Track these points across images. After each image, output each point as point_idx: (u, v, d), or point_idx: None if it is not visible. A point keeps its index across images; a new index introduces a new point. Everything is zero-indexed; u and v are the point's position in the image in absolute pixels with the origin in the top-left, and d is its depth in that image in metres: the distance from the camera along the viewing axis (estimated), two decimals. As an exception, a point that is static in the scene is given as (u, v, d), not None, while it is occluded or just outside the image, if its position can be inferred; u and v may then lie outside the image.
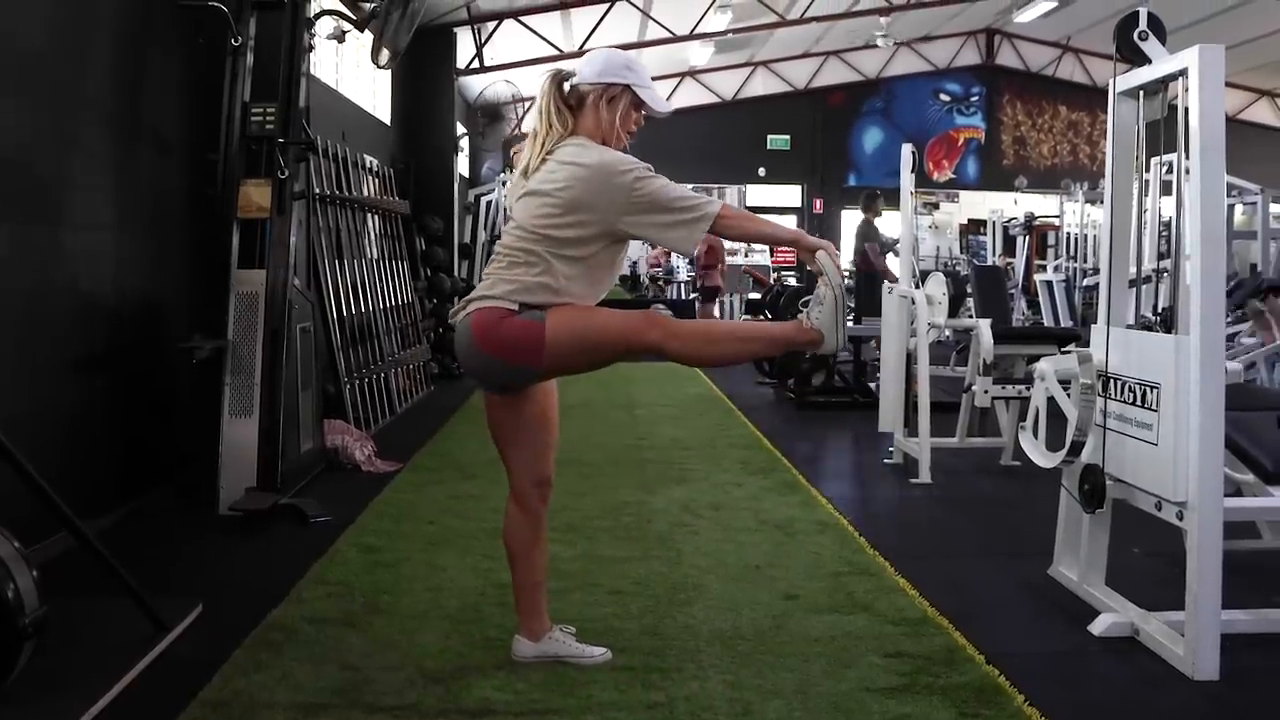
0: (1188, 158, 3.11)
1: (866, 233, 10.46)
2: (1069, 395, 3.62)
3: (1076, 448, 3.56)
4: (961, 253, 19.13)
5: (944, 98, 19.40)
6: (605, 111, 2.88)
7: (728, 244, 16.03)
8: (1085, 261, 11.42)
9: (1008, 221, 14.09)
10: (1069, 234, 12.49)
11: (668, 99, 13.33)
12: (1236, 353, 7.02)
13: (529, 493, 2.99)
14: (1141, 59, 3.41)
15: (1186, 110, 3.09)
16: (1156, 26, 3.40)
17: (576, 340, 2.78)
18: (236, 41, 5.25)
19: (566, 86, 2.90)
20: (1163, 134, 3.44)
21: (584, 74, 2.89)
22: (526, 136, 2.97)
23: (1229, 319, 8.47)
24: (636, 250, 19.99)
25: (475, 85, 14.08)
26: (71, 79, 4.44)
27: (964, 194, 20.32)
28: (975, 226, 19.56)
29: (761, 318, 11.75)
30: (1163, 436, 3.16)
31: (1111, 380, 3.45)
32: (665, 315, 2.89)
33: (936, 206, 21.16)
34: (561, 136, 2.87)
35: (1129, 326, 3.63)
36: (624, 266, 3.02)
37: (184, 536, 4.49)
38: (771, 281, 12.74)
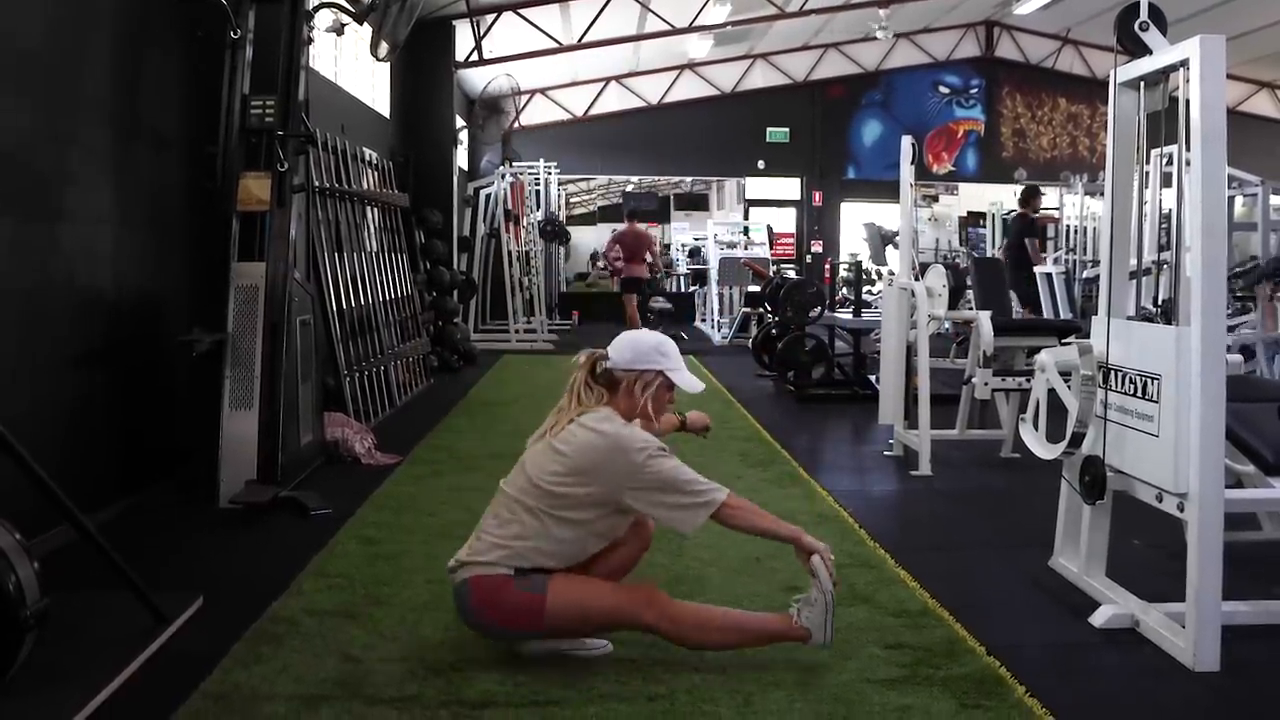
0: (1188, 149, 3.10)
1: (1026, 229, 10.66)
2: (1069, 387, 3.62)
3: (1077, 439, 3.56)
4: (961, 245, 19.12)
5: (943, 90, 19.34)
6: (640, 395, 3.05)
7: (725, 239, 16.02)
8: (1085, 254, 11.41)
9: (1007, 214, 14.07)
10: (1069, 226, 12.48)
11: (666, 92, 13.31)
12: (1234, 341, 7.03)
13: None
14: (1142, 50, 3.40)
15: (1187, 101, 3.08)
16: (1157, 17, 3.39)
17: (576, 613, 2.92)
18: (235, 35, 5.25)
19: (599, 369, 3.08)
20: (1163, 125, 3.44)
21: (617, 360, 3.07)
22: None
23: (1230, 310, 8.47)
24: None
25: (474, 78, 14.07)
26: (70, 74, 4.43)
27: (963, 186, 20.28)
28: (975, 219, 19.56)
29: (761, 310, 11.74)
30: (1163, 428, 3.16)
31: (1112, 372, 3.45)
32: (663, 597, 2.97)
33: (936, 199, 21.13)
34: (588, 409, 3.01)
35: (1129, 318, 3.63)
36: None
37: (184, 529, 4.49)
38: (771, 274, 12.71)
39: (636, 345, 3.10)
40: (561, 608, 2.88)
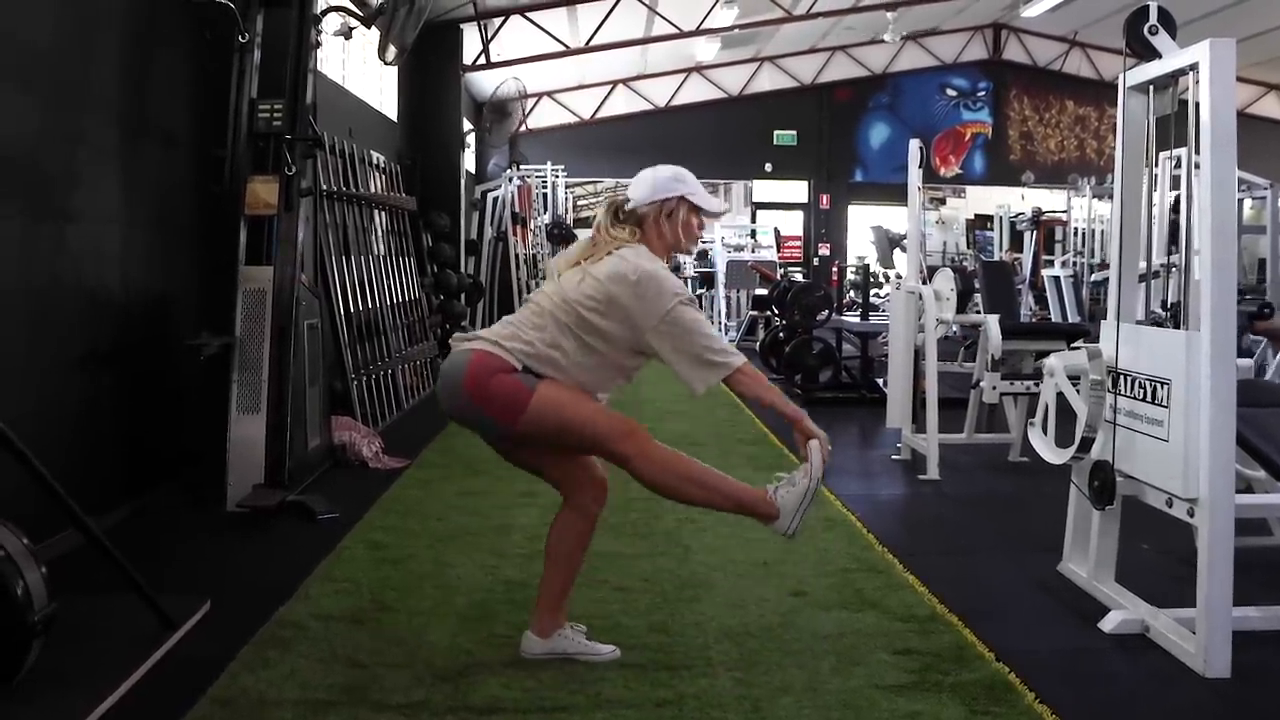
0: (1198, 153, 3.09)
1: None
2: (1078, 391, 3.60)
3: (1086, 444, 3.55)
4: (969, 248, 19.09)
5: (951, 93, 19.32)
6: (668, 226, 3.00)
7: (732, 242, 16.01)
8: (1093, 257, 11.39)
9: (1015, 217, 14.05)
10: (1076, 229, 12.45)
11: (674, 95, 13.31)
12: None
13: (585, 499, 3.02)
14: (1151, 53, 3.39)
15: (1197, 105, 3.07)
16: (1167, 20, 3.38)
17: (555, 418, 2.85)
18: (244, 38, 5.25)
19: (621, 213, 3.02)
20: (1173, 128, 3.42)
21: (637, 197, 3.01)
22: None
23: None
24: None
25: (482, 81, 14.08)
26: (79, 76, 4.44)
27: (971, 189, 20.25)
28: (982, 222, 19.52)
29: (768, 314, 11.73)
30: (1173, 433, 3.14)
31: (1121, 376, 3.43)
32: (644, 433, 2.92)
33: (943, 202, 21.10)
34: (623, 241, 2.97)
35: (1139, 322, 3.62)
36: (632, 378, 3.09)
37: (191, 534, 4.49)
38: (778, 277, 12.69)
39: (654, 178, 3.04)
40: (543, 407, 2.81)
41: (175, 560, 4.10)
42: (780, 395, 2.97)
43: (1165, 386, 3.19)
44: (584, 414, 2.87)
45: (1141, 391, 3.32)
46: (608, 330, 2.88)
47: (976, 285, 7.48)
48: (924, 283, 6.05)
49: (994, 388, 5.78)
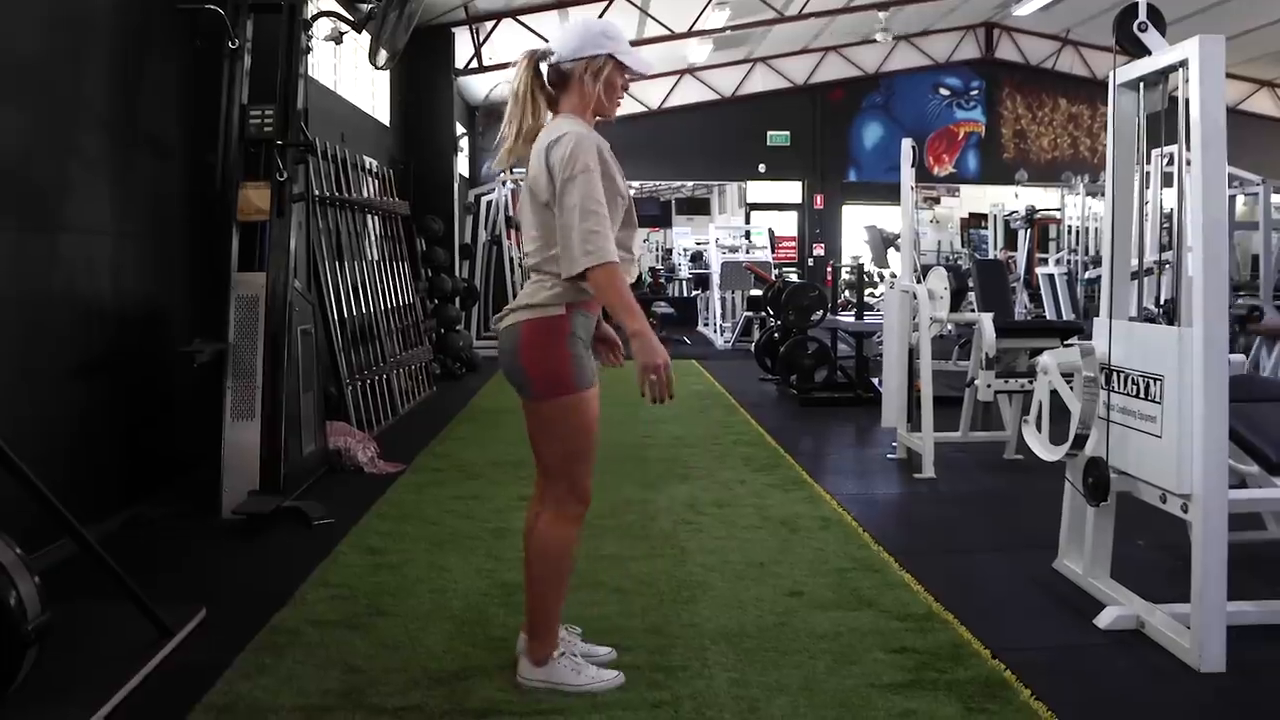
0: (1188, 149, 3.09)
1: None
2: (1072, 389, 3.61)
3: (1080, 441, 3.55)
4: (963, 246, 19.10)
5: (944, 92, 19.33)
6: (591, 85, 2.79)
7: (727, 243, 16.01)
8: (1087, 254, 11.39)
9: (1009, 215, 14.05)
10: (1070, 227, 12.46)
11: (666, 96, 13.25)
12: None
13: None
14: (1141, 50, 3.39)
15: (1187, 102, 3.07)
16: (1156, 17, 3.38)
17: (570, 424, 2.76)
18: (234, 44, 5.26)
19: (544, 67, 2.81)
20: (1163, 125, 3.43)
21: (562, 51, 2.79)
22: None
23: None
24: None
25: (474, 85, 14.08)
26: (69, 84, 4.43)
27: (965, 188, 20.27)
28: (977, 220, 19.54)
29: (763, 314, 11.73)
30: (1166, 429, 3.15)
31: (1114, 373, 3.44)
32: (577, 513, 2.84)
33: (938, 201, 21.11)
34: (540, 125, 2.79)
35: (1131, 319, 3.62)
36: (639, 258, 2.92)
37: (187, 541, 4.48)
38: (773, 278, 12.70)
39: (582, 30, 2.81)
40: (570, 408, 2.73)
41: (171, 567, 4.10)
42: (633, 304, 2.62)
43: (1158, 383, 3.19)
44: (588, 446, 2.81)
45: (1134, 388, 3.32)
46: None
47: (970, 284, 7.49)
48: (918, 282, 6.05)
49: (989, 386, 5.78)
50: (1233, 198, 10.02)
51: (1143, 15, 3.37)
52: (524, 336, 2.76)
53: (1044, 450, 3.78)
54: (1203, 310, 3.01)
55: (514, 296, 12.77)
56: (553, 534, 2.84)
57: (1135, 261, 3.73)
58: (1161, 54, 3.29)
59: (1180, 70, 3.14)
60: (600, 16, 12.62)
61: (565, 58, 2.79)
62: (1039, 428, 3.83)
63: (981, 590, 3.81)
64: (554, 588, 2.86)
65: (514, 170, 14.31)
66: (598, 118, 2.86)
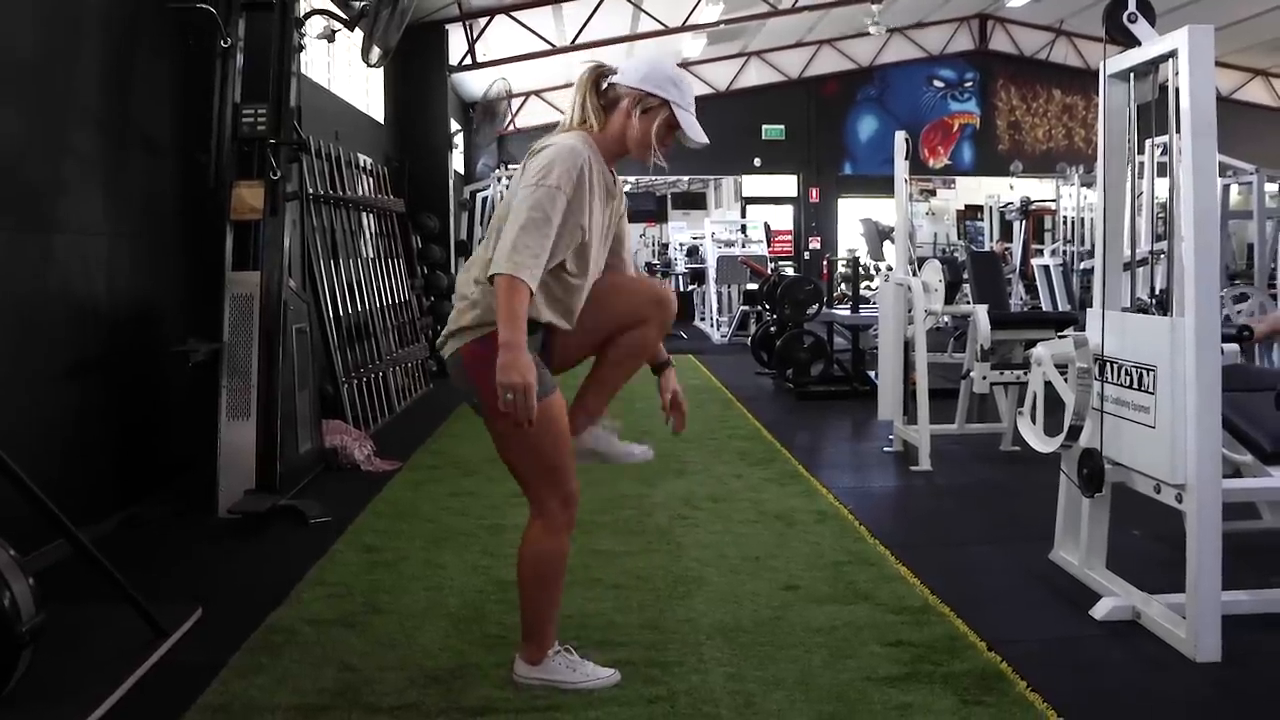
0: (1179, 139, 3.09)
1: None
2: (1066, 380, 3.61)
3: (1074, 432, 3.55)
4: (959, 239, 19.11)
5: (938, 84, 19.33)
6: (637, 121, 2.69)
7: (723, 237, 16.02)
8: (1082, 245, 11.40)
9: (1004, 207, 14.06)
10: (1065, 218, 12.46)
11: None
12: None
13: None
14: (1131, 41, 3.39)
15: (1177, 92, 3.07)
16: (1145, 8, 3.38)
17: (544, 439, 2.66)
18: (226, 43, 5.25)
19: (604, 84, 2.73)
20: (1153, 115, 3.43)
21: (626, 75, 2.71)
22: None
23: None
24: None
25: (468, 81, 14.06)
26: (61, 84, 4.43)
27: (960, 180, 20.28)
28: (973, 212, 19.55)
29: (760, 308, 11.73)
30: (1160, 419, 3.15)
31: (1108, 364, 3.44)
32: (566, 520, 2.77)
33: (933, 193, 21.12)
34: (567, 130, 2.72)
35: (1125, 309, 3.62)
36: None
37: (183, 540, 4.48)
38: (769, 272, 12.70)
39: (653, 66, 2.72)
40: (540, 417, 2.55)
41: (167, 567, 4.09)
42: (512, 317, 2.44)
43: (1151, 373, 3.19)
44: (561, 452, 2.72)
45: (1128, 378, 3.32)
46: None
47: (965, 276, 7.49)
48: (913, 274, 6.05)
49: (984, 378, 5.79)
50: (1227, 187, 10.03)
51: (1132, 6, 3.37)
52: (467, 360, 2.69)
53: (1039, 442, 3.78)
54: (1194, 300, 3.01)
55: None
56: (544, 545, 2.78)
57: (1128, 252, 3.74)
58: (1151, 45, 3.29)
59: (1170, 61, 3.14)
60: (594, 12, 12.63)
61: (625, 82, 2.70)
62: (1033, 419, 3.83)
63: (978, 582, 3.82)
64: (547, 595, 2.83)
65: (508, 167, 14.30)
66: (627, 155, 2.77)
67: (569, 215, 2.58)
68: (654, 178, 21.26)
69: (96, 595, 3.19)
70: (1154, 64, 3.33)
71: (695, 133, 2.72)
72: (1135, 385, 3.28)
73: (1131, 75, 3.45)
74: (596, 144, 2.70)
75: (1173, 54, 3.10)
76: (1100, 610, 3.37)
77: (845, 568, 3.90)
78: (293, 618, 3.40)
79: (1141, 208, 5.44)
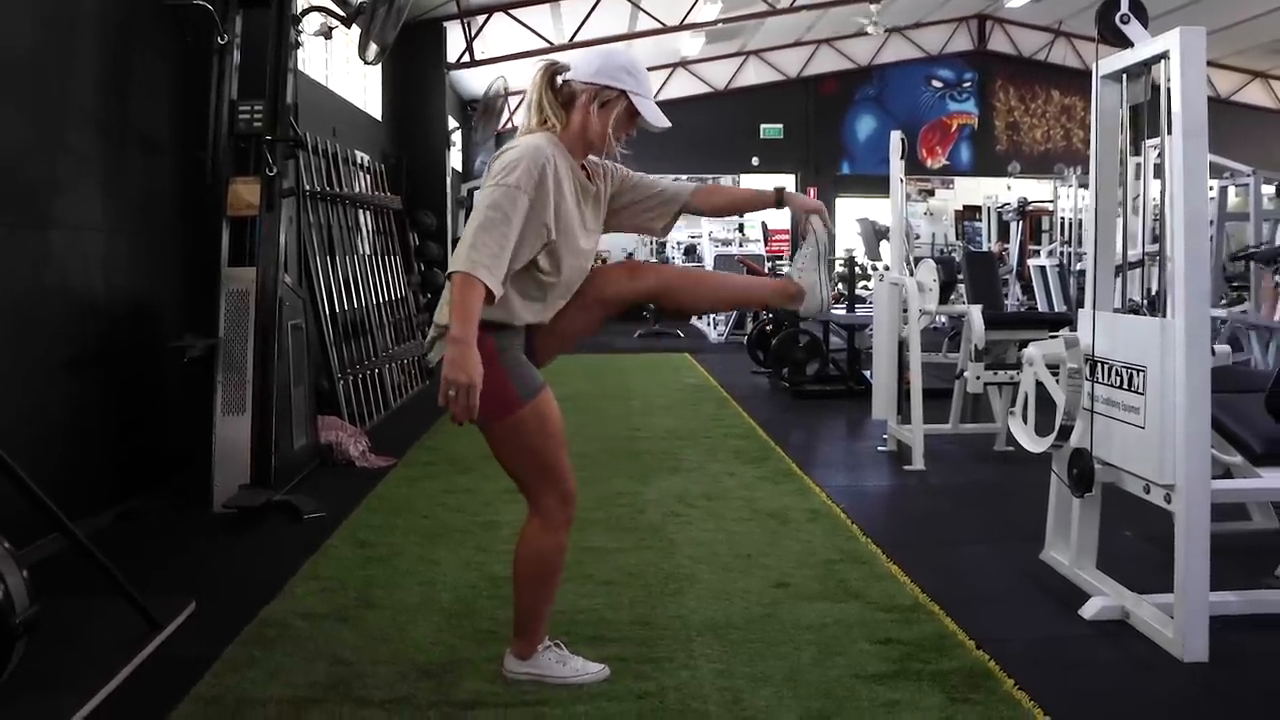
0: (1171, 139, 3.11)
1: None
2: (1057, 380, 3.63)
3: (1065, 432, 3.57)
4: (958, 239, 19.13)
5: (936, 84, 19.36)
6: (595, 116, 2.68)
7: (720, 236, 16.03)
8: (1079, 246, 11.42)
9: (1001, 207, 14.08)
10: (1063, 219, 12.48)
11: (659, 90, 13.18)
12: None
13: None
14: (1124, 42, 3.40)
15: (1169, 93, 3.09)
16: (1138, 9, 3.39)
17: (537, 438, 2.66)
18: (223, 40, 5.26)
19: (559, 80, 2.71)
20: (1147, 117, 3.44)
21: (579, 70, 2.69)
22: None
23: (1224, 301, 8.48)
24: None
25: (466, 79, 14.07)
26: (57, 81, 4.44)
27: (959, 180, 20.31)
28: (971, 213, 19.57)
29: (757, 310, 11.74)
30: (1149, 419, 3.17)
31: (1098, 364, 3.46)
32: (565, 518, 2.76)
33: (932, 193, 21.14)
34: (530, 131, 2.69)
35: (1116, 310, 3.64)
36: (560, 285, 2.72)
37: (178, 534, 4.49)
38: (766, 271, 12.71)
39: (605, 58, 2.71)
40: (532, 423, 2.62)
41: (162, 561, 4.10)
42: (463, 315, 2.40)
43: (1141, 374, 3.21)
44: (555, 451, 2.70)
45: (1118, 379, 3.34)
46: None
47: (959, 275, 7.51)
48: (910, 274, 6.07)
49: (978, 378, 5.80)
50: (1224, 189, 10.04)
51: (1124, 7, 3.39)
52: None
53: (1030, 441, 3.79)
54: (1184, 301, 3.03)
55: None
56: (542, 542, 2.78)
57: (1120, 253, 3.75)
58: (1143, 46, 3.30)
59: (1163, 62, 3.15)
60: (592, 10, 12.64)
61: (579, 77, 2.69)
62: (1024, 419, 3.85)
63: (968, 581, 3.83)
64: (543, 592, 2.84)
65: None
66: (591, 152, 2.76)
67: (532, 215, 2.54)
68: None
69: (91, 588, 3.21)
70: (1146, 65, 3.34)
71: (656, 118, 2.72)
72: (1125, 386, 3.30)
73: (1124, 76, 3.47)
74: (563, 142, 2.69)
75: (1165, 55, 3.12)
76: (1089, 610, 3.39)
77: (836, 566, 3.92)
78: (286, 612, 3.42)
79: (1138, 209, 5.47)
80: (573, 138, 2.71)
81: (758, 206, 3.09)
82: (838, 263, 14.68)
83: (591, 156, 2.80)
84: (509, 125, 17.34)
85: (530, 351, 2.75)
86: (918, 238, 15.61)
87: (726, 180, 20.56)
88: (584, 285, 2.81)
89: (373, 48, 6.34)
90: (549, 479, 2.74)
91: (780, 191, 2.92)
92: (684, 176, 22.56)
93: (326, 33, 6.66)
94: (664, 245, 20.43)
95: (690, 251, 17.76)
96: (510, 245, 2.49)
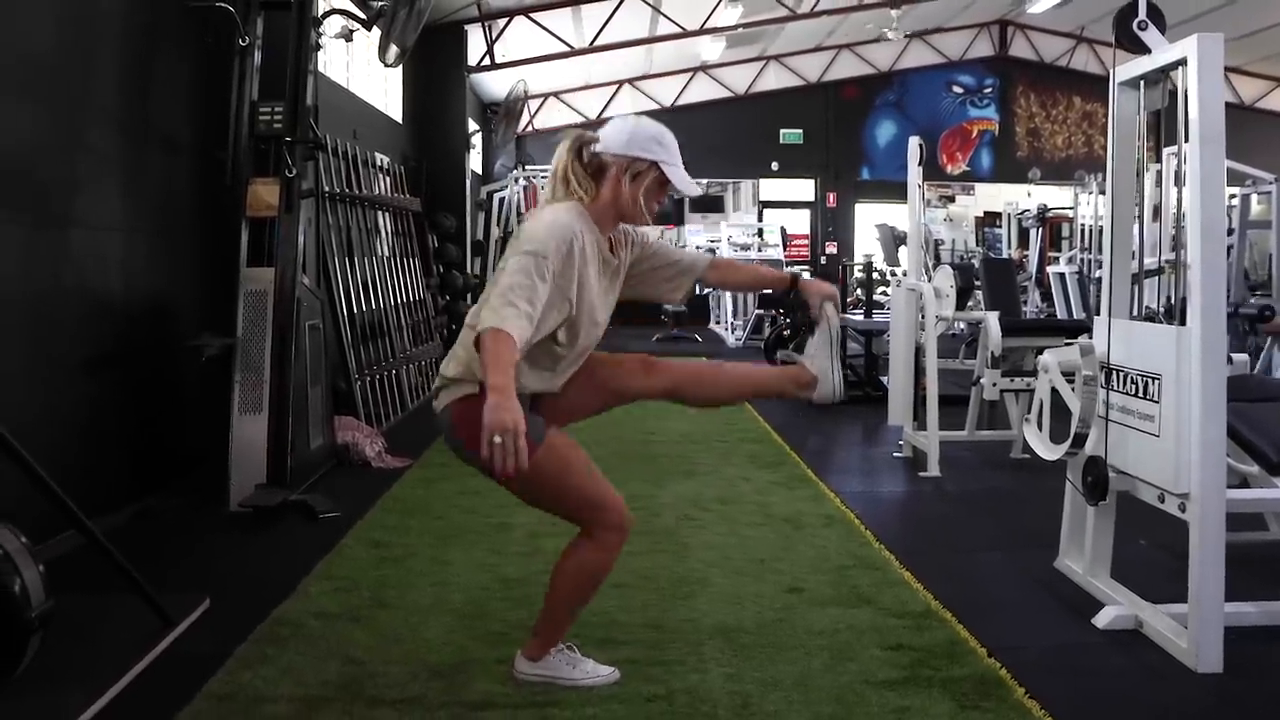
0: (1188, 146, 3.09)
1: None
2: (1073, 388, 3.61)
3: (1080, 440, 3.56)
4: (978, 245, 19.04)
5: (957, 90, 19.27)
6: (628, 187, 2.68)
7: (739, 241, 16.02)
8: (1099, 253, 11.35)
9: (1021, 213, 14.02)
10: (1083, 225, 12.41)
11: (679, 94, 13.18)
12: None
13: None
14: (1141, 49, 3.39)
15: (1186, 99, 3.07)
16: (1156, 15, 3.38)
17: (562, 476, 2.68)
18: (244, 41, 5.30)
19: (586, 154, 2.72)
20: (1162, 124, 3.43)
21: (608, 143, 2.70)
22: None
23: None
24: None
25: (487, 82, 14.11)
26: (80, 82, 4.48)
27: (980, 186, 20.19)
28: (991, 219, 19.47)
29: (774, 312, 11.74)
30: (1164, 428, 3.15)
31: (1114, 372, 3.44)
32: (619, 538, 2.75)
33: (952, 199, 21.05)
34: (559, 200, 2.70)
35: (1132, 318, 3.62)
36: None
37: (194, 533, 4.53)
38: (784, 275, 12.67)
39: (635, 130, 2.71)
40: (545, 465, 2.59)
41: (178, 559, 4.14)
42: (496, 365, 2.33)
43: (1156, 381, 3.19)
44: (582, 482, 2.69)
45: (1133, 387, 3.32)
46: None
47: (976, 282, 7.48)
48: (928, 280, 6.05)
49: (994, 384, 5.78)
50: (1246, 197, 9.96)
51: (1142, 13, 3.38)
52: (455, 420, 2.64)
53: (1044, 449, 3.78)
54: (1200, 309, 3.01)
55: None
56: (591, 559, 2.74)
57: (1137, 261, 3.73)
58: (1161, 52, 3.29)
59: (1180, 69, 3.14)
60: (613, 14, 12.66)
61: (610, 150, 2.70)
62: (1040, 426, 3.84)
63: (981, 589, 3.82)
64: (577, 604, 2.85)
65: (526, 168, 14.35)
66: (622, 222, 2.77)
67: (556, 288, 2.54)
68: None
69: (107, 585, 3.24)
70: (1164, 71, 3.33)
71: (687, 186, 2.73)
72: (1140, 393, 3.28)
73: (1142, 83, 3.45)
74: (591, 213, 2.68)
75: (1182, 62, 3.11)
76: (1103, 619, 3.37)
77: (849, 572, 3.91)
78: (299, 611, 3.44)
79: (1159, 217, 5.44)
80: (602, 209, 2.70)
81: (772, 287, 3.13)
82: (856, 268, 14.67)
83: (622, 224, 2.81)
84: (529, 128, 17.42)
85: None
86: (939, 243, 15.50)
87: (745, 185, 20.62)
88: (599, 369, 2.84)
89: (393, 50, 6.37)
90: (592, 509, 2.72)
91: (797, 277, 2.98)
92: (704, 181, 22.52)
93: (347, 35, 6.70)
94: (683, 249, 20.43)
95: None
96: (539, 306, 2.46)
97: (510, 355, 2.36)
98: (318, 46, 5.67)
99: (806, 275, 2.96)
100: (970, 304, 8.42)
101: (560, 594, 2.81)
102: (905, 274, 6.86)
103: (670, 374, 2.88)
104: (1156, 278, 7.11)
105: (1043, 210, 13.13)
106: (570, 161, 2.70)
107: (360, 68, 9.73)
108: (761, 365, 2.97)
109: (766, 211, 19.36)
